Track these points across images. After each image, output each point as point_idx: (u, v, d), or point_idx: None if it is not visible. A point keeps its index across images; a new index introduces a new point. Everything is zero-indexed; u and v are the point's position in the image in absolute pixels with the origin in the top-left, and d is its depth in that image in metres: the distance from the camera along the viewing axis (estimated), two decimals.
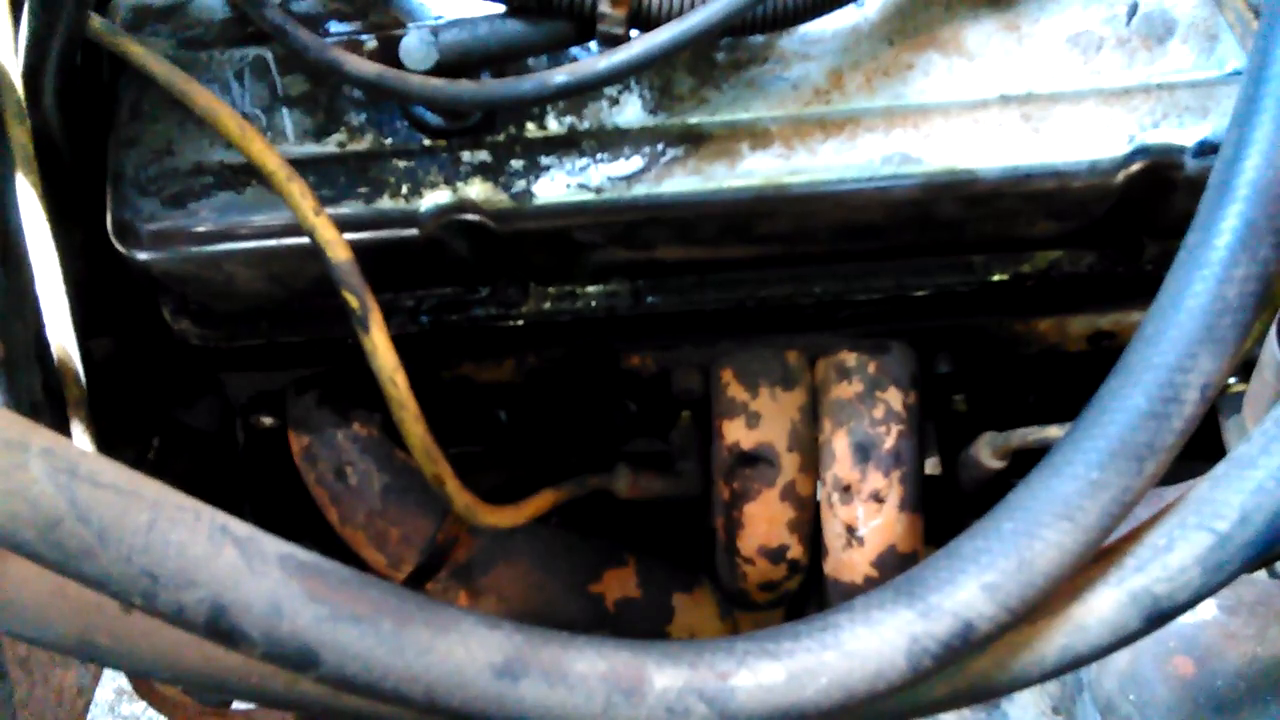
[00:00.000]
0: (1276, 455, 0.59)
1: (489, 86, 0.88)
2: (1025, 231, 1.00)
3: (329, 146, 0.96)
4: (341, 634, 0.54)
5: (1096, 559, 0.63)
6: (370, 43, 0.96)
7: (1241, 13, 0.87)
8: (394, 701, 0.56)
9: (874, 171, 0.92)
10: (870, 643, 0.59)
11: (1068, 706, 1.13)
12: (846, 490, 1.08)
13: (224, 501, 0.58)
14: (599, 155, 0.94)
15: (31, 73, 0.86)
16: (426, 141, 0.95)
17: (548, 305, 1.07)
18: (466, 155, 0.95)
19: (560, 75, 0.86)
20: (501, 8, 0.90)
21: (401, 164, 0.95)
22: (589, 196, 0.94)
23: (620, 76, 0.86)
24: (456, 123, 0.94)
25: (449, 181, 0.95)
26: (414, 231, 0.95)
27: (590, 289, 1.07)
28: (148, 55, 0.91)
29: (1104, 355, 1.10)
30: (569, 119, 0.95)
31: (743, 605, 1.22)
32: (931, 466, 1.17)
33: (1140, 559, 0.62)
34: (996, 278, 1.04)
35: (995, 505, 0.63)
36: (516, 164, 0.95)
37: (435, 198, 0.94)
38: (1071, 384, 0.94)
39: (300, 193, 0.87)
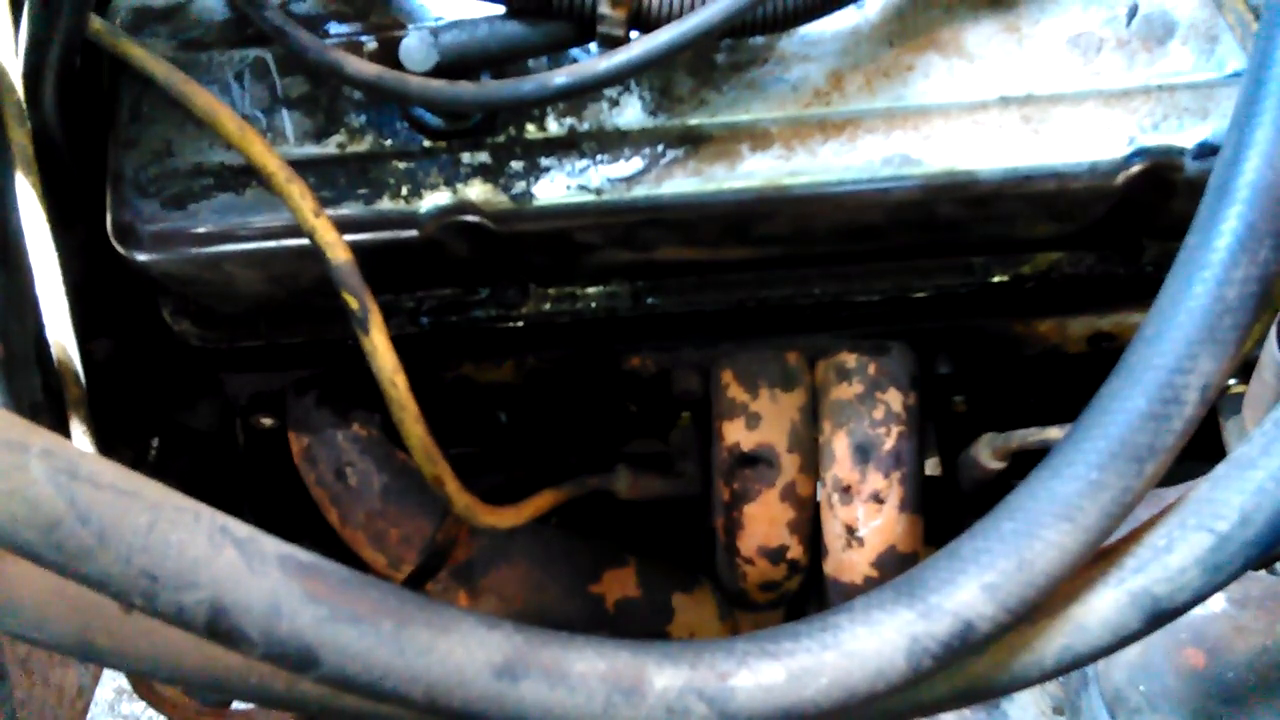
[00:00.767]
0: (1276, 456, 0.60)
1: (489, 88, 0.88)
2: (1025, 233, 1.00)
3: (329, 148, 0.96)
4: (341, 634, 0.54)
5: (1096, 559, 0.63)
6: (370, 44, 0.95)
7: (1242, 14, 0.87)
8: (394, 702, 0.56)
9: (874, 173, 0.92)
10: (870, 643, 0.59)
11: (1073, 701, 1.13)
12: (846, 491, 1.08)
13: (224, 502, 0.58)
14: (599, 156, 0.94)
15: (32, 74, 0.86)
16: (426, 143, 0.95)
17: (548, 306, 1.07)
18: (466, 157, 0.95)
19: (560, 76, 0.86)
20: (501, 9, 0.90)
21: (401, 165, 0.95)
22: (589, 198, 0.94)
23: (620, 78, 0.86)
24: (456, 124, 0.94)
25: (449, 183, 0.95)
26: (414, 233, 0.95)
27: (590, 290, 1.07)
28: (148, 56, 0.91)
29: (1104, 356, 1.10)
30: (569, 120, 0.95)
31: (743, 605, 1.22)
32: (931, 467, 1.17)
33: (1140, 559, 0.62)
34: (996, 279, 1.04)
35: (995, 506, 0.63)
36: (516, 165, 0.95)
37: (435, 199, 0.94)
38: (1071, 385, 0.94)
39: (300, 194, 0.87)
